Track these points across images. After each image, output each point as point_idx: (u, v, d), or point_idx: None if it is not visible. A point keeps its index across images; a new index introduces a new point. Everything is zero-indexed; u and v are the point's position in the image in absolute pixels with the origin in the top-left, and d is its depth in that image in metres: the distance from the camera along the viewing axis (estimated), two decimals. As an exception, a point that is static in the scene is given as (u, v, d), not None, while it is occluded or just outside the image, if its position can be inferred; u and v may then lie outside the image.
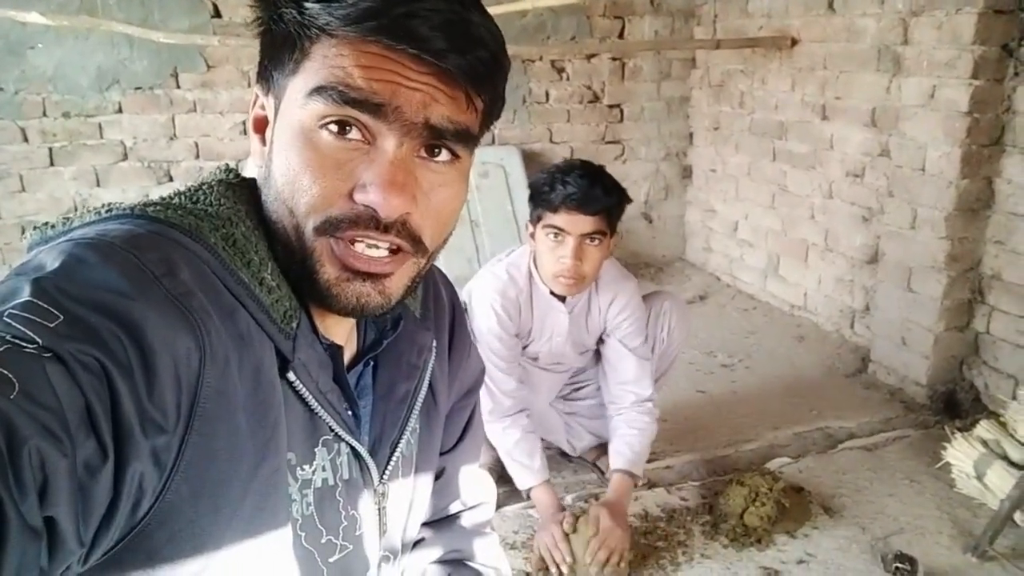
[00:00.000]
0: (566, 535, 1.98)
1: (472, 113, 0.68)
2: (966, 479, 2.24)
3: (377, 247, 0.66)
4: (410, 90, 0.63)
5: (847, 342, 3.44)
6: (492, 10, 0.68)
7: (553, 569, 1.97)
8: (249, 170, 0.75)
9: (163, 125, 3.78)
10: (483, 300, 2.14)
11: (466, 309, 2.17)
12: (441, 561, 0.99)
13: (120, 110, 3.71)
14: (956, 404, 2.86)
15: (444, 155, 0.68)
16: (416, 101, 0.63)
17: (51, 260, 0.55)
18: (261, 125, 0.72)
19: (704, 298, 4.14)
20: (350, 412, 0.76)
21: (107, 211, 0.63)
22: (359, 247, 0.66)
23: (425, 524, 0.97)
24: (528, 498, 2.20)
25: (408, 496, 0.87)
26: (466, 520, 1.02)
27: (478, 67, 0.65)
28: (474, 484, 1.02)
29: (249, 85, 3.82)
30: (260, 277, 0.65)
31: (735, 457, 2.57)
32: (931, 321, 2.85)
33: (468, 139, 0.68)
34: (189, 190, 0.69)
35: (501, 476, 2.35)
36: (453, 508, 1.01)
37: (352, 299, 0.67)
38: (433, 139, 0.66)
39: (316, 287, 0.67)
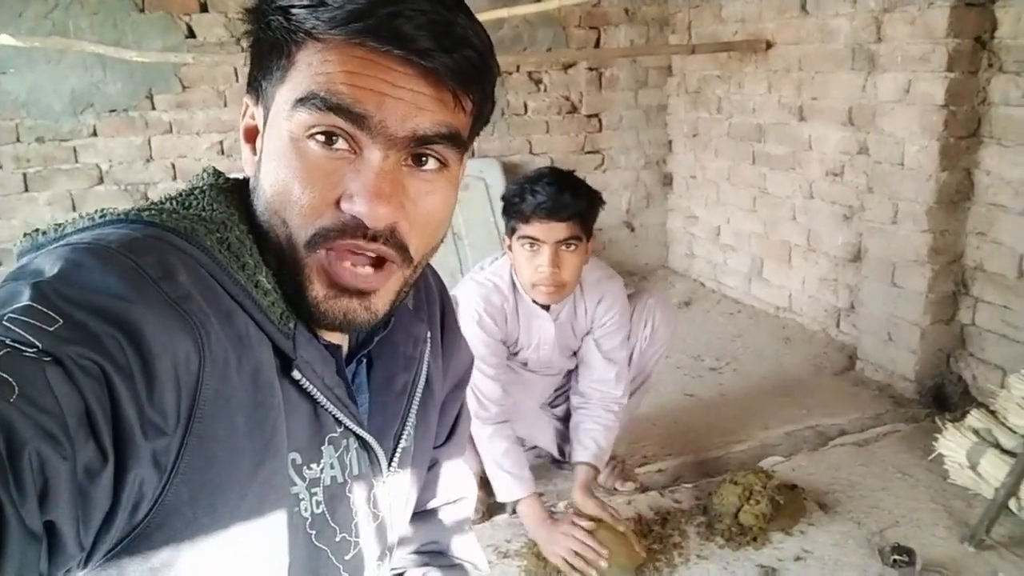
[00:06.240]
0: (589, 533, 1.96)
1: (460, 114, 0.67)
2: (959, 469, 2.22)
3: (363, 261, 0.67)
4: (395, 99, 0.63)
5: (833, 341, 3.44)
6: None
7: (575, 574, 1.94)
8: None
9: (139, 147, 3.74)
10: (467, 307, 2.11)
11: None
12: (418, 552, 0.98)
13: (95, 133, 3.67)
14: (945, 397, 2.86)
15: (432, 163, 0.68)
16: (400, 112, 0.63)
17: (49, 265, 0.55)
18: (252, 134, 0.72)
19: (689, 304, 4.14)
20: None
21: (100, 216, 0.63)
22: (347, 263, 0.66)
23: None
24: (513, 512, 2.16)
25: (407, 490, 0.86)
26: (445, 514, 1.01)
27: (465, 66, 0.64)
28: (455, 479, 1.01)
29: (225, 105, 3.80)
30: (255, 280, 0.65)
31: (727, 458, 2.55)
32: (916, 315, 2.85)
33: (456, 142, 0.68)
34: (180, 195, 0.69)
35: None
36: (433, 502, 1.00)
37: (339, 315, 0.68)
38: (420, 148, 0.66)
39: (304, 303, 0.68)
